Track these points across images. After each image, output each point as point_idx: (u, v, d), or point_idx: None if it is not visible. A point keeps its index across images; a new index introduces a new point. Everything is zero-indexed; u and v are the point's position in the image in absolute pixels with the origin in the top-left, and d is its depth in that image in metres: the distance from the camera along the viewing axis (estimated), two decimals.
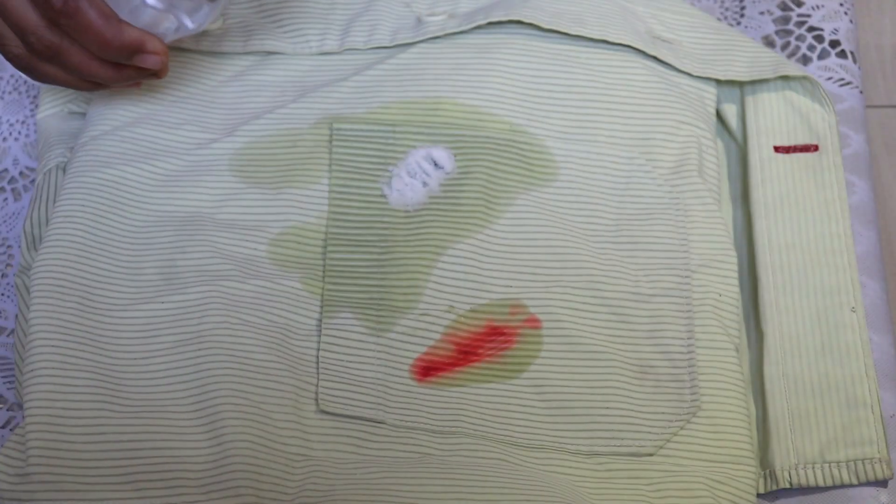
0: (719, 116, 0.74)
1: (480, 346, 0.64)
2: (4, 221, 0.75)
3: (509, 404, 0.63)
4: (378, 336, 0.64)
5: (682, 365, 0.64)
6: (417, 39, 0.72)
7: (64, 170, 0.70)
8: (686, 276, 0.67)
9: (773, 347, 0.66)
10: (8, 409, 0.69)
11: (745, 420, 0.64)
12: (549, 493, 0.60)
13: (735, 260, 0.68)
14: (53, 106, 0.74)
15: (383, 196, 0.68)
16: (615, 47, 0.72)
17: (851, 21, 0.80)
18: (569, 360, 0.64)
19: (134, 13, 0.63)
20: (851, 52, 0.79)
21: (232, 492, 0.59)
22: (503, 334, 0.65)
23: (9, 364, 0.70)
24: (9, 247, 0.74)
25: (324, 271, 0.65)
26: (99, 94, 0.71)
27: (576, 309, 0.65)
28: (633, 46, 0.72)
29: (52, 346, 0.62)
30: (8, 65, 0.81)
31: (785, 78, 0.72)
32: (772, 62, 0.72)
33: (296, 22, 0.73)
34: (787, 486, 0.64)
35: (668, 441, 0.63)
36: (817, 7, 0.80)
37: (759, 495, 0.65)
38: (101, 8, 0.61)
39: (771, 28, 0.80)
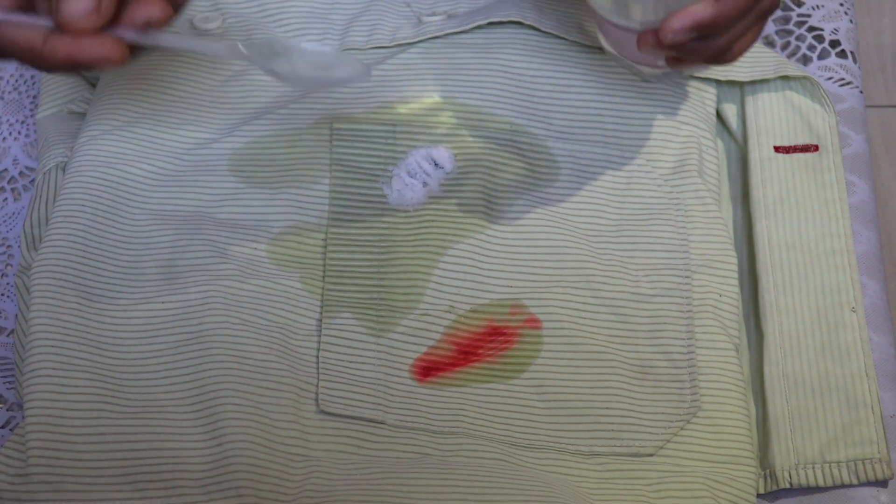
0: (719, 116, 0.74)
1: (481, 346, 0.64)
2: (4, 221, 0.75)
3: (509, 404, 0.63)
4: (378, 336, 0.64)
5: (682, 365, 0.64)
6: (417, 39, 0.72)
7: (64, 169, 0.70)
8: (686, 277, 0.67)
9: (773, 347, 0.66)
10: (8, 409, 0.69)
11: (745, 420, 0.64)
12: (549, 493, 0.60)
13: (735, 260, 0.68)
14: (53, 106, 0.74)
15: (383, 196, 0.68)
16: None
17: (851, 21, 0.80)
18: (569, 360, 0.64)
19: None
20: (851, 52, 0.79)
21: (232, 492, 0.59)
22: (503, 334, 0.65)
23: (9, 364, 0.70)
24: (9, 247, 0.74)
25: (324, 271, 0.65)
26: (99, 94, 0.71)
27: (576, 309, 0.65)
28: None
29: (52, 346, 0.62)
30: (8, 65, 0.81)
31: (785, 78, 0.72)
32: (772, 62, 0.72)
33: (296, 22, 0.73)
34: (787, 486, 0.64)
35: (669, 441, 0.63)
36: (817, 7, 0.80)
37: (759, 495, 0.65)
38: None
39: (771, 28, 0.80)
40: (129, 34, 0.55)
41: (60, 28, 0.53)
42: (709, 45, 0.60)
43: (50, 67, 0.54)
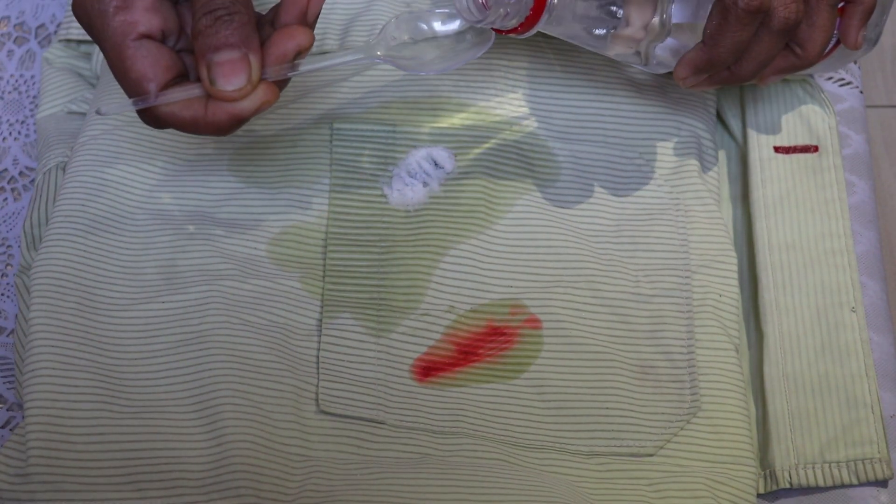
0: (719, 116, 0.74)
1: (481, 346, 0.64)
2: (4, 221, 0.75)
3: (509, 404, 0.63)
4: (378, 336, 0.64)
5: (682, 365, 0.64)
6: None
7: (64, 169, 0.70)
8: (686, 277, 0.67)
9: (773, 347, 0.66)
10: (8, 409, 0.69)
11: (745, 420, 0.64)
12: (549, 493, 0.60)
13: (735, 260, 0.68)
14: (53, 106, 0.74)
15: (383, 196, 0.68)
16: None
17: None
18: (569, 360, 0.64)
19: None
20: None
21: (232, 492, 0.59)
22: (503, 334, 0.65)
23: (9, 364, 0.70)
24: (9, 247, 0.74)
25: (324, 271, 0.65)
26: (99, 94, 0.71)
27: (576, 309, 0.65)
28: None
29: (52, 346, 0.62)
30: (8, 64, 0.81)
31: (785, 80, 0.72)
32: None
33: None
34: (787, 486, 0.64)
35: (669, 441, 0.63)
36: None
37: (759, 495, 0.65)
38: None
39: None
40: (278, 73, 0.56)
41: (219, 100, 0.55)
42: (734, 72, 0.62)
43: (215, 132, 0.57)
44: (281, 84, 0.58)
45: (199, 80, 0.55)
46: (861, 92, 0.78)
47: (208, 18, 0.55)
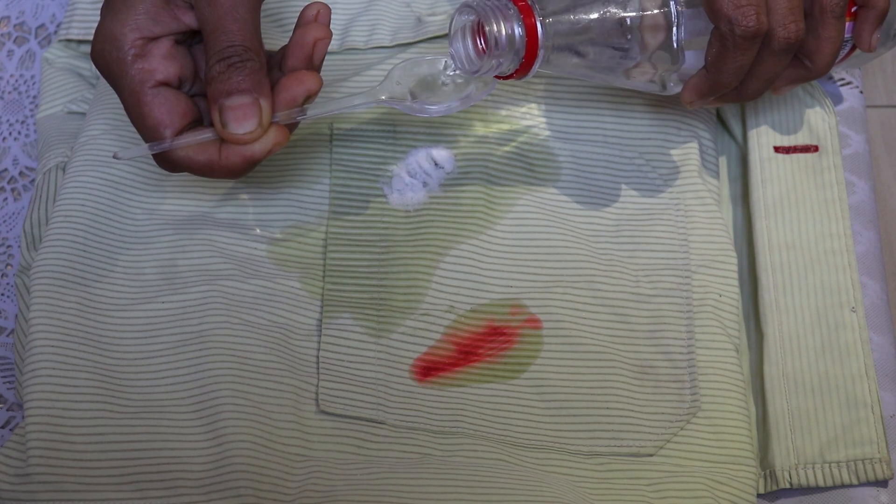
0: (719, 116, 0.74)
1: (481, 346, 0.64)
2: (4, 221, 0.75)
3: (509, 404, 0.63)
4: (378, 336, 0.64)
5: (682, 365, 0.64)
6: (417, 39, 0.72)
7: (64, 169, 0.70)
8: (686, 277, 0.67)
9: (773, 347, 0.66)
10: (8, 409, 0.69)
11: (745, 420, 0.64)
12: (549, 493, 0.60)
13: (735, 260, 0.68)
14: (53, 106, 0.74)
15: (384, 196, 0.68)
16: None
17: None
18: (569, 360, 0.64)
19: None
20: None
21: (232, 492, 0.59)
22: (503, 334, 0.65)
23: (9, 364, 0.70)
24: (9, 247, 0.74)
25: (324, 271, 0.65)
26: (99, 94, 0.71)
27: (576, 309, 0.65)
28: None
29: (52, 346, 0.62)
30: (8, 64, 0.81)
31: None
32: None
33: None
34: (787, 486, 0.64)
35: (669, 441, 0.63)
36: None
37: (759, 495, 0.65)
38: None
39: None
40: (287, 117, 0.58)
41: (231, 143, 0.57)
42: (741, 92, 0.62)
43: (229, 175, 0.59)
44: (291, 126, 0.60)
45: (212, 124, 0.57)
46: (861, 92, 0.78)
47: (221, 65, 0.56)
